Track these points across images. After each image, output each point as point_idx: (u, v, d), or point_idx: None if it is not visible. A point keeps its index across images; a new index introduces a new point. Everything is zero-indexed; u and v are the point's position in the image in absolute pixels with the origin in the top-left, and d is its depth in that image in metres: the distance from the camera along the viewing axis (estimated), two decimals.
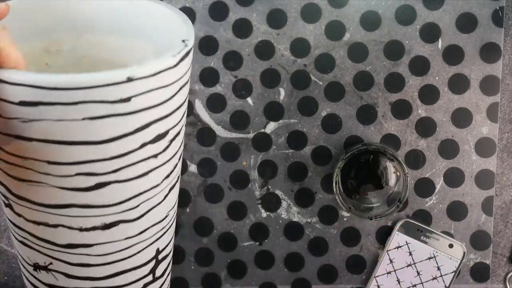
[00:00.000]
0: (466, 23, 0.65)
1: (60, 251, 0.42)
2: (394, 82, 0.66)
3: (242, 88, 0.66)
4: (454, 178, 0.66)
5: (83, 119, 0.36)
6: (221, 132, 0.66)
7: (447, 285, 0.66)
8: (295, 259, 0.67)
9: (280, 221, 0.67)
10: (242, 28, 0.65)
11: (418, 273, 0.66)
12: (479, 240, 0.66)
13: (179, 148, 0.44)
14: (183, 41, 0.40)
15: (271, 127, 0.66)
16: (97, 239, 0.41)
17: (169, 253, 0.47)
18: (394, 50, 0.65)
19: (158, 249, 0.45)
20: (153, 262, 0.45)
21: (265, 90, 0.66)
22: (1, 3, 0.39)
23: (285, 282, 0.68)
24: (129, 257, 0.43)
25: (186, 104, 0.43)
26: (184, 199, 0.67)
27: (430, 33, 0.65)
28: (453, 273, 0.65)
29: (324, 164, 0.67)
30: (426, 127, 0.66)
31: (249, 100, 0.66)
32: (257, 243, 0.67)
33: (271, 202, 0.67)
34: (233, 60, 0.66)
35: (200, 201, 0.67)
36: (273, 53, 0.66)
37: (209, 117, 0.66)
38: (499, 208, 0.67)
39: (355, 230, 0.67)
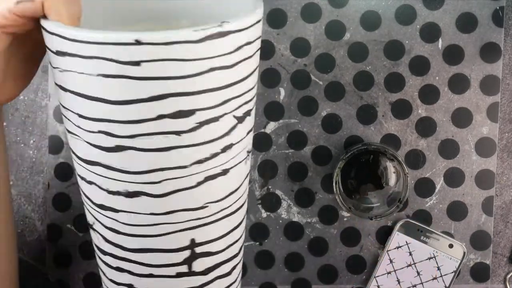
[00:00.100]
0: (466, 23, 0.65)
1: (97, 211, 0.44)
2: (394, 82, 0.66)
3: None
4: (454, 178, 0.66)
5: (98, 75, 0.38)
6: None
7: (447, 285, 0.65)
8: (295, 259, 0.67)
9: (280, 221, 0.67)
10: None
11: (418, 273, 0.66)
12: (479, 240, 0.66)
13: (220, 139, 0.42)
14: (222, 22, 0.40)
15: (271, 127, 0.66)
16: (122, 206, 0.42)
17: (216, 253, 0.46)
18: (394, 50, 0.65)
19: (193, 240, 0.44)
20: (187, 252, 0.44)
21: (265, 90, 0.66)
22: None
23: (285, 282, 0.68)
24: (157, 235, 0.43)
25: (225, 93, 0.41)
26: None
27: (430, 33, 0.65)
28: (453, 273, 0.65)
29: (324, 164, 0.67)
30: (426, 127, 0.66)
31: None
32: (257, 243, 0.67)
33: (271, 202, 0.67)
34: None
35: None
36: (273, 53, 0.66)
37: None
38: (499, 208, 0.67)
39: (355, 230, 0.67)
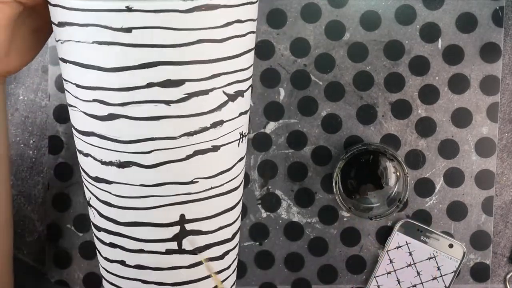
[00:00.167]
0: (466, 23, 0.65)
1: (93, 184, 0.46)
2: (394, 82, 0.66)
3: None
4: (454, 178, 0.66)
5: (93, 42, 0.41)
6: None
7: (447, 285, 0.65)
8: (295, 259, 0.67)
9: (280, 221, 0.67)
10: None
11: (418, 273, 0.66)
12: (479, 240, 0.66)
13: (209, 113, 0.43)
14: None
15: (271, 127, 0.66)
16: (114, 177, 0.44)
17: (206, 233, 0.46)
18: (394, 50, 0.65)
19: (183, 215, 0.45)
20: (177, 228, 0.45)
21: (265, 90, 0.66)
22: None
23: (285, 282, 0.68)
24: (147, 208, 0.44)
25: (215, 67, 0.42)
26: None
27: (430, 33, 0.65)
28: (453, 273, 0.65)
29: (324, 164, 0.67)
30: (426, 127, 0.66)
31: None
32: (257, 243, 0.67)
33: (271, 202, 0.67)
34: None
35: None
36: (273, 53, 0.66)
37: None
38: (499, 208, 0.67)
39: (355, 230, 0.67)
